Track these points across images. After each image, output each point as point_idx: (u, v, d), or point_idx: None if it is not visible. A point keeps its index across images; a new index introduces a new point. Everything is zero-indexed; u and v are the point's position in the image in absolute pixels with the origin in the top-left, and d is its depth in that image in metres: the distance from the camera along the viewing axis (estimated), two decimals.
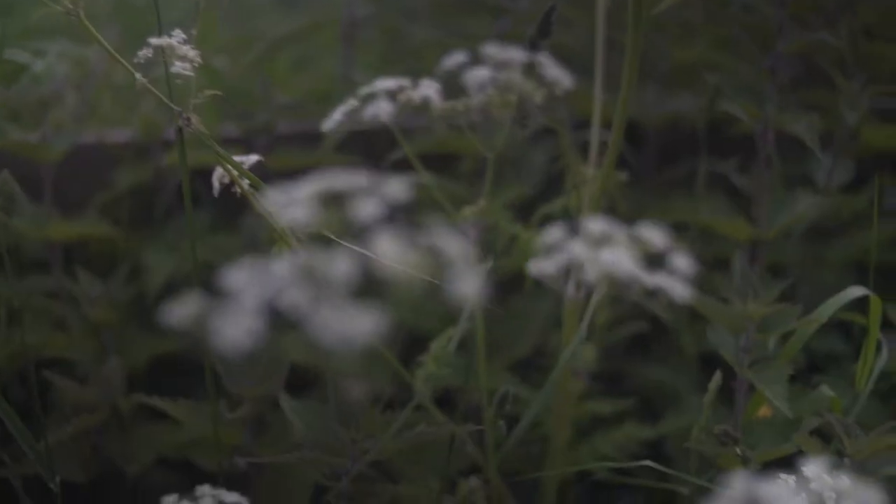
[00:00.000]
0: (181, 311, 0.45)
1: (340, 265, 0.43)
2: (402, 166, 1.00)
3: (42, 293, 1.11)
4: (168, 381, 1.01)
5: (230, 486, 0.89)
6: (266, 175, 0.83)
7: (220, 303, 0.44)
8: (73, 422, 0.96)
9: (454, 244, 0.44)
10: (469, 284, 0.43)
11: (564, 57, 0.71)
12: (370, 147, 1.04)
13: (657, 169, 1.33)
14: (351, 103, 0.61)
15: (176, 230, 1.15)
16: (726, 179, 1.23)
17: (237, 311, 0.43)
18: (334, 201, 0.49)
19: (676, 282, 0.53)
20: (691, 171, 1.29)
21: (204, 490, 0.66)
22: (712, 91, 1.26)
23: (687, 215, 1.20)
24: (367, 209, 0.46)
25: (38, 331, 1.06)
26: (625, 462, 0.98)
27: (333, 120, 0.61)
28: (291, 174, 1.07)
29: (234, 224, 1.14)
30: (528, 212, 0.98)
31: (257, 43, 1.25)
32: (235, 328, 0.42)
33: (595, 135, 0.93)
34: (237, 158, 0.86)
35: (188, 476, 0.95)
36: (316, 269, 0.45)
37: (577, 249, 0.51)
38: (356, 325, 0.41)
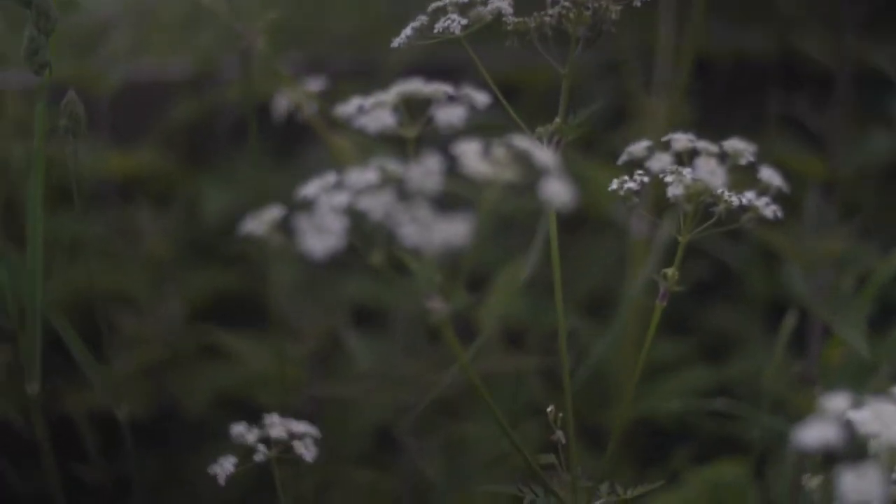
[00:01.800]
0: (257, 224, 0.45)
1: (424, 170, 0.43)
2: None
3: (99, 227, 1.12)
4: (228, 317, 1.02)
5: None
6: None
7: (299, 215, 0.44)
8: (133, 357, 0.97)
9: (541, 151, 0.44)
10: (559, 190, 0.42)
11: None
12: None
13: (726, 105, 1.31)
14: (420, 18, 0.61)
15: (233, 164, 1.16)
16: (799, 117, 1.21)
17: (319, 219, 0.43)
18: (413, 109, 0.49)
19: (765, 199, 0.52)
20: (763, 107, 1.27)
21: (273, 419, 0.67)
22: (785, 24, 1.24)
23: (758, 151, 1.18)
24: (450, 114, 0.45)
25: (98, 266, 1.07)
26: (689, 407, 0.97)
27: (404, 35, 0.61)
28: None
29: (294, 159, 1.15)
30: (593, 146, 0.98)
31: None
32: (319, 238, 0.42)
33: (662, 67, 0.92)
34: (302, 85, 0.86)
35: (249, 415, 0.96)
36: (396, 174, 0.44)
37: (664, 162, 0.50)
38: (442, 231, 0.41)
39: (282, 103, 0.85)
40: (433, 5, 0.61)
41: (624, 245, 1.03)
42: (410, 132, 0.48)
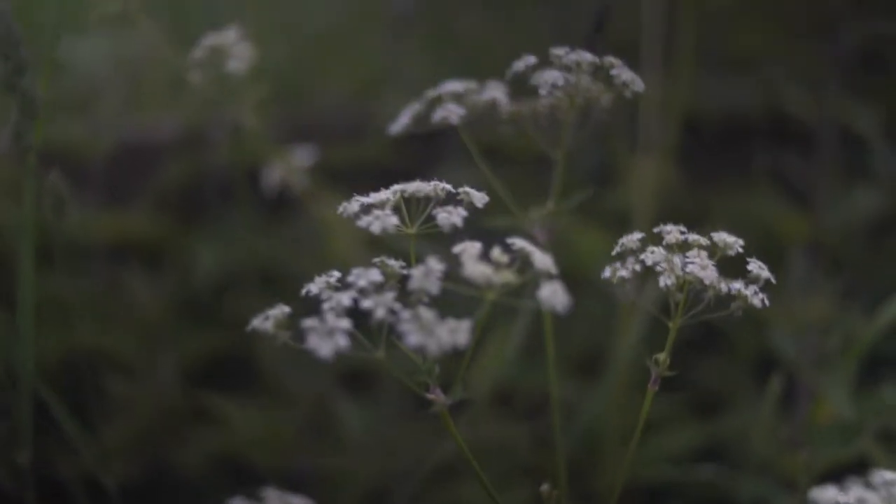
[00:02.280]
0: (266, 322, 0.47)
1: (425, 271, 0.45)
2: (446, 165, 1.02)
3: (90, 290, 1.14)
4: (220, 379, 1.03)
5: (285, 488, 0.91)
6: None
7: (302, 310, 0.46)
8: (125, 420, 0.99)
9: (539, 255, 0.46)
10: (555, 295, 0.44)
11: (614, 46, 0.73)
12: (425, 144, 1.06)
13: (713, 162, 1.34)
14: (414, 106, 0.63)
15: (224, 226, 1.18)
16: (785, 172, 1.23)
17: (324, 321, 0.45)
18: (410, 205, 0.51)
19: (753, 288, 0.55)
20: (749, 163, 1.30)
21: (270, 494, 0.68)
22: (771, 82, 1.27)
23: (744, 211, 1.20)
24: (452, 216, 0.48)
25: (88, 328, 1.08)
26: (679, 467, 0.99)
27: (401, 123, 0.63)
28: (344, 170, 1.10)
29: (283, 223, 1.17)
30: (582, 208, 1.00)
31: (300, 34, 1.27)
32: (326, 340, 0.44)
33: (648, 126, 0.95)
34: (292, 157, 0.89)
35: (242, 478, 0.97)
36: (397, 273, 0.46)
37: (656, 256, 0.53)
38: (443, 335, 0.43)
39: (272, 176, 0.88)
40: (429, 95, 0.63)
41: (610, 306, 1.05)
42: (411, 230, 0.50)
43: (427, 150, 1.11)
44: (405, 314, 0.44)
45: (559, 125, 0.63)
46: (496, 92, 0.62)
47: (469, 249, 0.47)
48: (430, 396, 0.49)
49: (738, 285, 0.55)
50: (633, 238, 0.55)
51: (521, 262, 0.47)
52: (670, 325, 0.57)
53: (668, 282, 0.53)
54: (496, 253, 0.47)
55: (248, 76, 0.87)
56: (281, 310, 0.48)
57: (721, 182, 1.32)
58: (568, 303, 0.45)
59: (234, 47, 0.83)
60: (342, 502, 0.92)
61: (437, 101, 0.63)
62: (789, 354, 0.96)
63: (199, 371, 1.07)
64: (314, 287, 0.48)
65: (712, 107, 1.32)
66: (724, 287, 0.56)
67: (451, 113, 0.61)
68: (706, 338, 1.19)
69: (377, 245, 0.79)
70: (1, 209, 1.11)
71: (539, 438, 0.98)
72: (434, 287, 0.46)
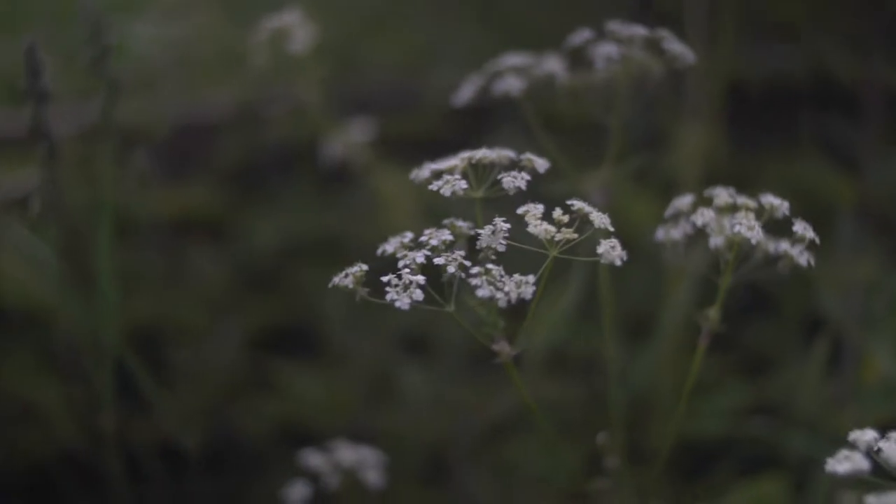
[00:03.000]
0: (345, 278, 0.52)
1: (493, 230, 0.50)
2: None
3: (156, 263, 1.19)
4: (281, 348, 1.08)
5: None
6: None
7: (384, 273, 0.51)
8: (192, 390, 1.04)
9: (597, 214, 0.51)
10: (613, 250, 0.49)
11: (658, 16, 0.76)
12: (473, 116, 1.10)
13: (759, 128, 1.37)
14: (475, 80, 0.68)
15: (281, 200, 1.23)
16: (831, 136, 1.26)
17: (400, 276, 0.50)
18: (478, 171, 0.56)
19: (799, 248, 0.59)
20: (795, 129, 1.32)
21: (341, 447, 0.73)
22: (816, 49, 1.29)
23: (790, 176, 1.23)
24: (514, 182, 0.52)
25: (154, 300, 1.14)
26: (728, 428, 1.03)
27: (463, 95, 0.68)
28: (396, 143, 1.14)
29: (339, 197, 1.21)
30: (632, 174, 1.04)
31: (350, 12, 1.31)
32: (404, 293, 0.49)
33: (694, 93, 0.98)
34: (349, 131, 0.94)
35: (306, 442, 1.02)
36: (465, 232, 0.51)
37: (706, 217, 0.57)
38: (512, 289, 0.48)
39: (330, 150, 0.93)
40: (492, 69, 0.68)
41: (661, 270, 1.09)
42: (478, 194, 0.55)
43: (476, 122, 1.15)
44: (475, 270, 0.49)
45: (613, 95, 0.68)
46: (554, 65, 0.66)
47: (533, 210, 0.51)
48: (495, 347, 0.54)
49: (784, 245, 0.59)
50: (685, 201, 0.59)
51: (581, 222, 0.51)
52: (720, 284, 0.61)
53: (718, 242, 0.57)
54: (557, 213, 0.51)
55: (307, 54, 0.91)
56: (360, 267, 0.53)
57: (767, 147, 1.35)
58: (625, 257, 0.50)
59: (296, 29, 0.88)
60: (403, 463, 0.97)
61: (498, 75, 0.67)
62: (836, 315, 1.00)
63: (263, 340, 1.12)
64: (389, 247, 0.53)
65: (757, 73, 1.35)
66: (771, 247, 0.60)
67: (512, 86, 0.66)
68: (756, 300, 1.22)
69: (431, 215, 0.84)
70: (75, 186, 1.17)
71: (592, 397, 1.02)
72: (500, 245, 0.50)
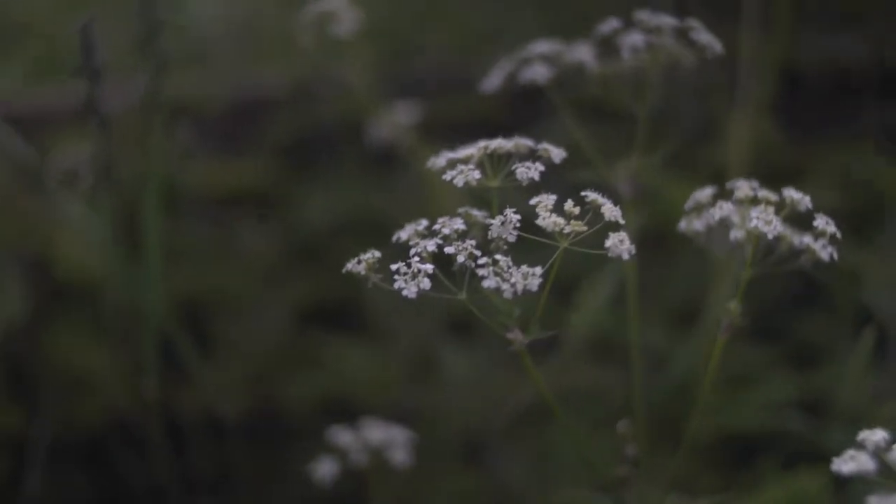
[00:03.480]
0: (358, 265, 0.53)
1: (503, 221, 0.50)
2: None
3: (206, 236, 1.22)
4: (327, 323, 1.10)
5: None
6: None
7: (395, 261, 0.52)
8: (239, 361, 1.07)
9: (608, 207, 0.51)
10: (621, 244, 0.49)
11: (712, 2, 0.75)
12: (529, 99, 1.10)
13: (817, 117, 1.34)
14: (506, 66, 0.68)
15: (331, 177, 1.24)
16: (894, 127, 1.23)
17: (411, 265, 0.50)
18: (495, 161, 0.56)
19: (822, 242, 0.58)
20: (855, 118, 1.30)
21: (370, 424, 0.74)
22: (878, 35, 1.27)
23: (843, 167, 1.21)
24: (528, 173, 0.53)
25: (203, 272, 1.16)
26: (767, 421, 1.02)
27: (493, 82, 0.68)
28: (449, 125, 1.15)
29: (387, 176, 1.22)
30: (679, 163, 1.03)
31: None
32: (411, 281, 0.50)
33: (746, 81, 0.97)
34: (396, 112, 0.95)
35: (348, 416, 1.04)
36: (480, 221, 0.52)
37: (725, 210, 0.57)
38: (518, 280, 0.48)
39: (377, 131, 0.94)
40: (520, 55, 0.68)
41: (705, 260, 1.09)
42: (494, 183, 0.55)
43: (531, 106, 1.15)
44: (482, 261, 0.49)
45: (643, 84, 0.67)
46: (583, 53, 0.66)
47: (545, 201, 0.52)
48: (509, 336, 0.55)
49: (807, 239, 0.58)
50: (705, 193, 0.59)
51: (594, 213, 0.51)
52: (743, 276, 0.60)
53: (739, 235, 0.57)
54: (568, 204, 0.51)
55: (355, 36, 0.92)
56: (372, 254, 0.54)
57: (825, 137, 1.32)
58: (633, 251, 0.50)
59: (342, 12, 0.89)
60: (440, 442, 0.98)
61: (527, 62, 0.67)
62: (883, 309, 0.99)
63: (308, 314, 1.14)
64: (404, 234, 0.54)
65: (816, 60, 1.32)
66: (796, 240, 0.60)
67: (539, 73, 0.66)
68: (808, 293, 1.21)
69: (478, 198, 0.85)
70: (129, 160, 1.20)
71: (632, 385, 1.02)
72: (511, 235, 0.51)
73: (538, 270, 0.50)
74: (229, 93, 1.21)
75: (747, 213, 0.57)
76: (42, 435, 1.05)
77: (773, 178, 0.80)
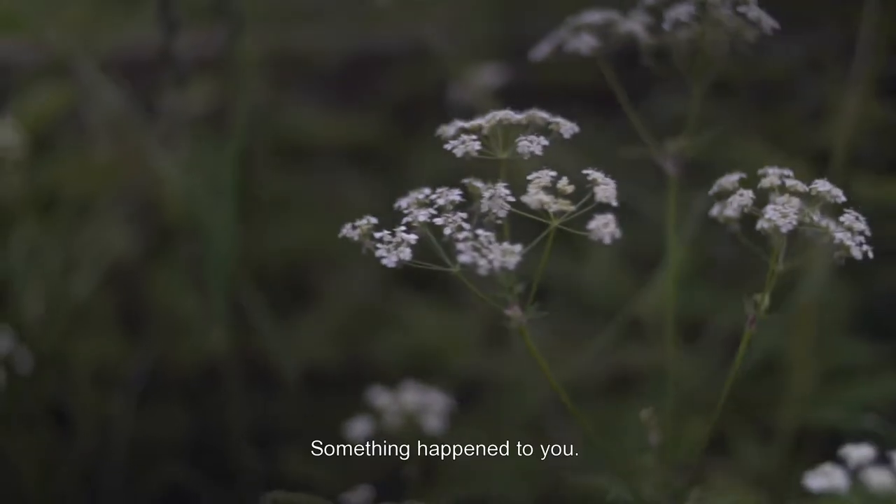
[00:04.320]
0: (353, 230, 0.52)
1: (494, 195, 0.49)
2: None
3: (312, 190, 1.24)
4: (415, 283, 1.10)
5: (461, 391, 0.98)
6: None
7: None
8: (329, 315, 1.08)
9: (602, 188, 0.49)
10: (604, 227, 0.47)
11: None
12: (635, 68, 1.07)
13: None
14: (558, 35, 0.66)
15: (436, 139, 1.23)
16: None
17: (396, 234, 0.50)
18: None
19: (858, 240, 0.55)
20: None
21: (408, 387, 0.74)
22: None
23: None
24: (530, 146, 0.51)
25: (305, 227, 1.18)
26: (867, 417, 0.97)
27: (542, 50, 0.66)
28: (550, 92, 1.12)
29: None
30: (782, 141, 0.99)
31: None
32: (393, 251, 0.49)
33: (860, 61, 0.91)
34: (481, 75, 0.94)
35: (424, 376, 1.04)
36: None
37: (743, 199, 0.54)
38: (496, 256, 0.47)
39: (459, 92, 0.93)
40: (573, 23, 0.65)
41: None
42: (503, 155, 0.53)
43: (636, 74, 1.11)
44: (462, 235, 0.48)
45: (697, 58, 0.64)
46: (634, 25, 0.64)
47: (541, 178, 0.50)
48: (507, 312, 0.53)
49: (840, 235, 0.54)
50: (731, 179, 0.56)
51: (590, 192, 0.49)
52: (774, 268, 0.57)
53: (765, 225, 0.54)
54: (562, 182, 0.49)
55: None
56: (368, 220, 0.53)
57: None
58: (617, 235, 0.47)
59: None
60: (511, 408, 0.98)
61: (577, 31, 0.65)
62: None
63: (399, 274, 1.15)
64: (404, 202, 0.53)
65: None
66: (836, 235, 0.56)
67: (585, 43, 0.63)
68: None
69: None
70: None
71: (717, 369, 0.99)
72: (501, 210, 0.49)
73: (518, 248, 0.48)
74: (344, 48, 1.22)
75: (773, 203, 0.54)
76: (141, 369, 1.10)
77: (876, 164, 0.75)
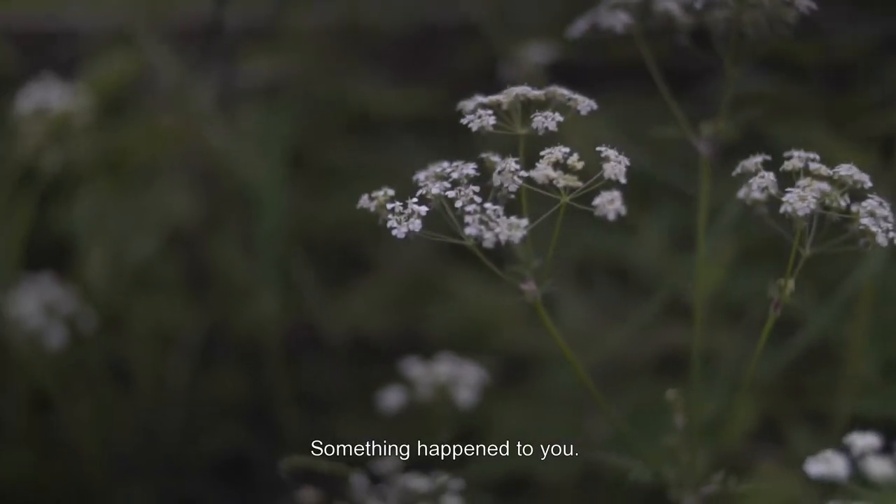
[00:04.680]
0: (371, 202, 0.53)
1: (505, 169, 0.49)
2: None
3: (374, 162, 1.25)
4: (465, 257, 1.11)
5: (505, 366, 0.98)
6: None
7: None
8: (381, 285, 1.10)
9: (611, 165, 0.49)
10: (609, 204, 0.47)
11: None
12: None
13: None
14: (596, 12, 0.66)
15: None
16: None
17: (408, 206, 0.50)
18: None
19: (887, 226, 0.54)
20: None
21: (443, 358, 0.75)
22: None
23: None
24: (544, 122, 0.51)
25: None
26: None
27: (578, 28, 0.66)
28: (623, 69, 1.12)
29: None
30: (846, 127, 0.97)
31: None
32: (404, 222, 0.50)
33: None
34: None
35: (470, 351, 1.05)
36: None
37: (765, 181, 0.53)
38: (501, 230, 0.48)
39: (506, 70, 0.93)
40: (611, 2, 0.65)
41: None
42: (522, 131, 0.54)
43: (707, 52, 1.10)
44: (470, 207, 0.49)
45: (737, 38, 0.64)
46: (669, 3, 0.63)
47: (553, 154, 0.50)
48: (522, 287, 0.54)
49: (866, 220, 0.53)
50: (753, 161, 0.55)
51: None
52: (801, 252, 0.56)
53: (788, 208, 0.53)
54: (572, 158, 0.49)
55: None
56: (385, 191, 0.54)
57: None
58: (623, 212, 0.47)
59: None
60: (555, 384, 0.98)
61: (613, 8, 0.65)
62: None
63: (455, 248, 1.15)
64: (422, 175, 0.54)
65: None
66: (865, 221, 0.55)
67: (618, 21, 0.63)
68: None
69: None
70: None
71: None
72: (512, 185, 0.50)
73: (523, 222, 0.48)
74: (405, 22, 1.23)
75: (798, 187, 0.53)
76: (199, 332, 1.13)
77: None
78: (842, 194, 0.54)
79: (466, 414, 0.75)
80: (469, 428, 0.97)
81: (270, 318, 0.97)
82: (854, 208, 0.54)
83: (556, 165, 0.49)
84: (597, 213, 0.48)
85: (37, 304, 1.02)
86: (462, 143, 1.25)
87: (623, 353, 0.93)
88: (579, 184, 0.49)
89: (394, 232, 0.50)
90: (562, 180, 0.48)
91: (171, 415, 1.08)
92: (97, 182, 1.14)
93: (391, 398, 0.75)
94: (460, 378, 0.74)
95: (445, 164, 0.53)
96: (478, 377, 0.75)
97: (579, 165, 0.49)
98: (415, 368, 0.76)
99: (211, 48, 1.11)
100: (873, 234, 0.54)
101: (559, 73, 1.00)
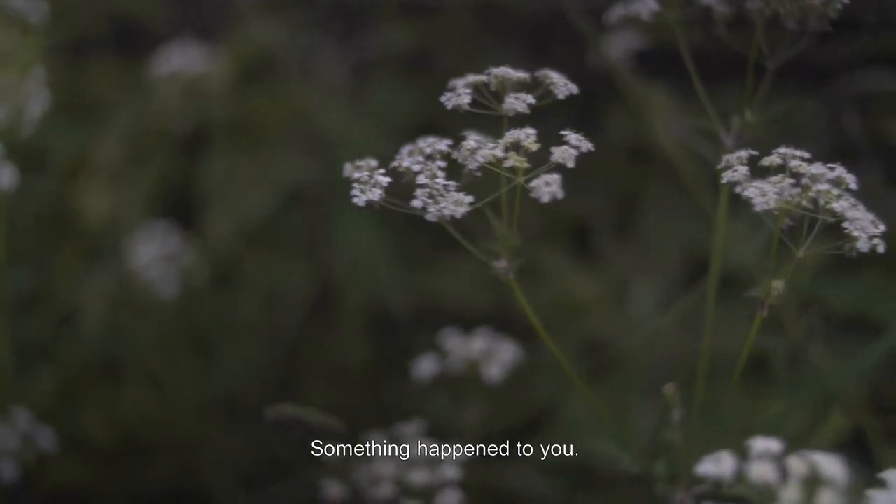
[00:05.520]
0: (352, 170, 0.55)
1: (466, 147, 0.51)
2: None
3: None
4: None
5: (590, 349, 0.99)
6: None
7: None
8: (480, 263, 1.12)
9: (561, 149, 0.49)
10: (546, 186, 0.48)
11: None
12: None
13: None
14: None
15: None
16: None
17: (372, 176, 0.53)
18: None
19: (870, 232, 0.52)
20: None
21: (481, 333, 0.77)
22: None
23: None
24: (514, 104, 0.52)
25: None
26: None
27: (615, 14, 0.66)
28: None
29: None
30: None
31: None
32: (366, 193, 0.52)
33: None
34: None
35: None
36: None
37: (737, 175, 0.52)
38: (446, 204, 0.49)
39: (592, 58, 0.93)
40: None
41: None
42: (505, 111, 0.55)
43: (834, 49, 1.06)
44: (422, 180, 0.50)
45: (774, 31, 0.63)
46: None
47: (514, 135, 0.51)
48: (495, 264, 0.55)
49: (848, 225, 0.52)
50: (739, 155, 0.55)
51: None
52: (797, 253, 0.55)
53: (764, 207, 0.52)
54: (528, 140, 0.50)
55: None
56: (367, 162, 0.56)
57: None
58: (559, 195, 0.48)
59: None
60: (625, 374, 0.98)
61: None
62: None
63: (549, 229, 1.16)
64: (405, 149, 0.56)
65: None
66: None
67: (646, 7, 0.63)
68: None
69: None
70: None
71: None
72: (472, 163, 0.51)
73: (468, 199, 0.50)
74: (535, 5, 1.24)
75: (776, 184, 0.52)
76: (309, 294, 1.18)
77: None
78: (831, 195, 0.53)
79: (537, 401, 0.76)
80: (537, 415, 0.98)
81: (385, 287, 1.01)
82: (839, 209, 0.53)
83: (511, 147, 0.50)
84: (532, 194, 0.49)
85: (157, 253, 1.09)
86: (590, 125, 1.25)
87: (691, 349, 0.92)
88: (526, 165, 0.50)
89: (355, 200, 0.52)
90: (512, 160, 0.49)
91: (274, 373, 1.14)
92: (226, 143, 1.21)
93: (425, 367, 0.77)
94: (494, 354, 0.76)
95: (431, 138, 0.55)
96: (512, 356, 0.76)
97: (534, 147, 0.50)
98: (452, 340, 0.77)
99: (354, 19, 1.15)
100: (856, 239, 0.53)
101: (649, 61, 0.99)
